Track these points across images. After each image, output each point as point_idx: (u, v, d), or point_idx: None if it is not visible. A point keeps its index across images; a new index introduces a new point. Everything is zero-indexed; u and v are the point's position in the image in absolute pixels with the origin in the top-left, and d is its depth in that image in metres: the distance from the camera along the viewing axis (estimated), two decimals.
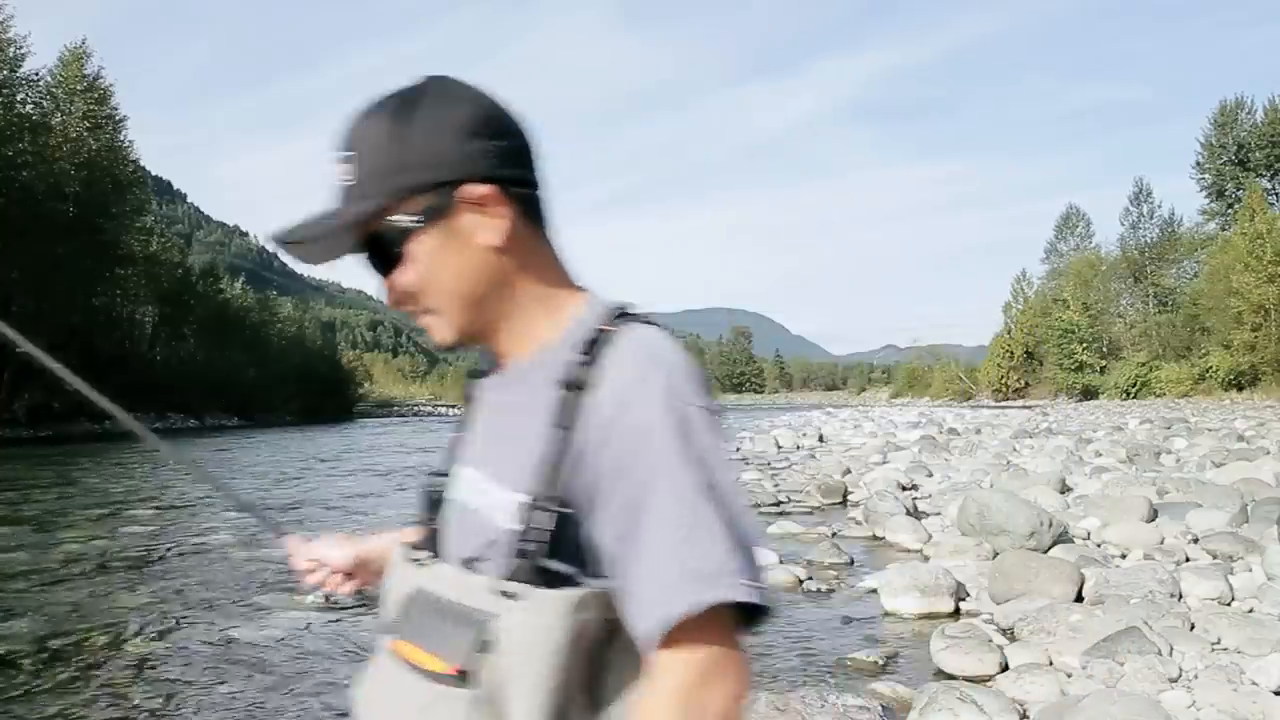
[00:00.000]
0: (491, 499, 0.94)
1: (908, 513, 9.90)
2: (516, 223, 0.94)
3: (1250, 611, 5.47)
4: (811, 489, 13.17)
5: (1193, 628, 5.00)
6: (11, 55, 40.53)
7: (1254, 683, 4.12)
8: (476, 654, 0.87)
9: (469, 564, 0.94)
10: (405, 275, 0.95)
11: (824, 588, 7.07)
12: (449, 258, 0.93)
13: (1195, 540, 7.72)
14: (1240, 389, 51.52)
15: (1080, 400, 63.75)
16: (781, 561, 7.58)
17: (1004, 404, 69.70)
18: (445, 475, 1.04)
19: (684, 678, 0.83)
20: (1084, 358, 68.87)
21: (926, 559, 7.63)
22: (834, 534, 9.55)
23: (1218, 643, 4.77)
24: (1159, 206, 70.86)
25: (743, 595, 0.83)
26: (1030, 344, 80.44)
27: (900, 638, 5.70)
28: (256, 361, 54.12)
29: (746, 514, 0.88)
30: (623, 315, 0.95)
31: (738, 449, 22.61)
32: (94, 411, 38.43)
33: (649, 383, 0.87)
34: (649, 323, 0.95)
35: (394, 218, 0.92)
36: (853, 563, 8.02)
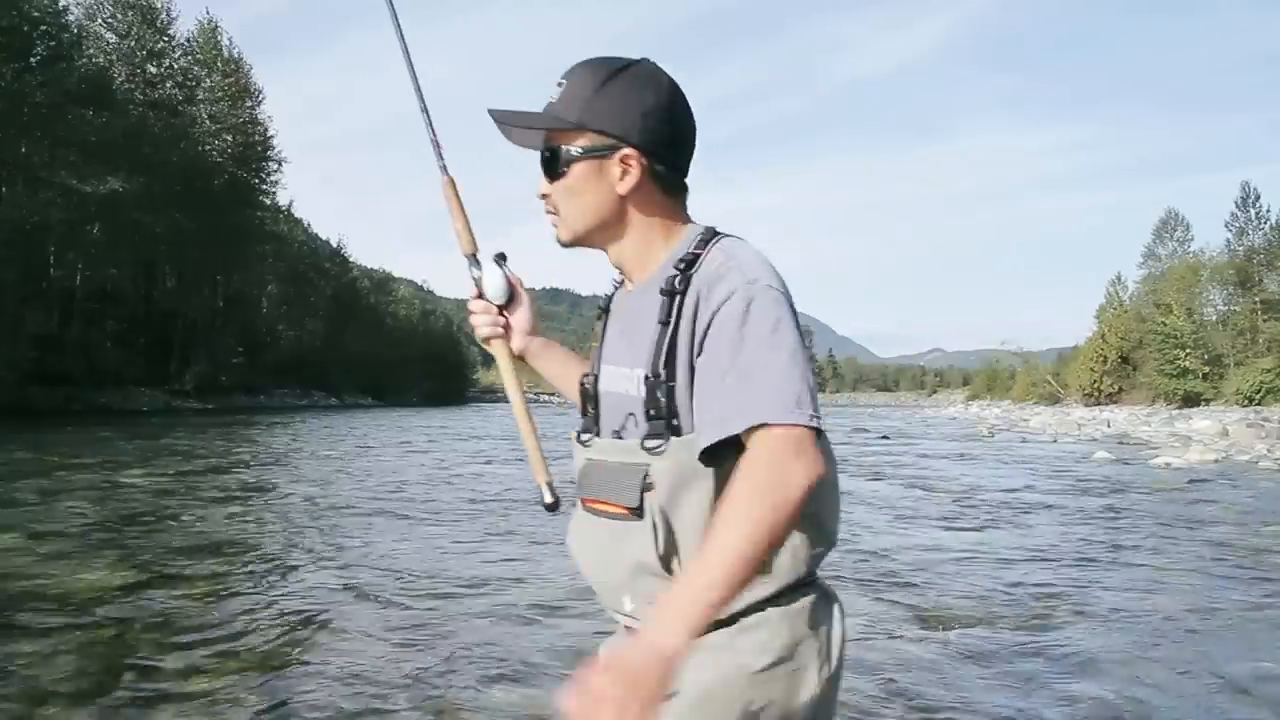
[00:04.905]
0: (624, 381, 1.28)
1: None
2: (646, 183, 1.27)
3: None
4: None
5: None
6: (161, 22, 40.52)
7: None
8: (642, 494, 1.19)
9: (616, 434, 1.29)
10: (557, 185, 1.29)
11: None
12: (589, 187, 1.27)
13: None
14: None
15: (1181, 407, 61.37)
16: None
17: (1099, 407, 67.68)
18: (594, 376, 1.37)
19: (776, 449, 1.08)
20: (1188, 364, 66.72)
21: None
22: None
23: None
24: (1268, 210, 68.50)
25: (815, 422, 1.10)
26: (1125, 349, 78.18)
27: None
28: (384, 344, 53.87)
29: (809, 363, 1.16)
30: (715, 234, 1.27)
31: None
32: (252, 385, 38.47)
33: (729, 266, 1.19)
34: (731, 236, 1.28)
35: (569, 145, 1.27)
36: None
